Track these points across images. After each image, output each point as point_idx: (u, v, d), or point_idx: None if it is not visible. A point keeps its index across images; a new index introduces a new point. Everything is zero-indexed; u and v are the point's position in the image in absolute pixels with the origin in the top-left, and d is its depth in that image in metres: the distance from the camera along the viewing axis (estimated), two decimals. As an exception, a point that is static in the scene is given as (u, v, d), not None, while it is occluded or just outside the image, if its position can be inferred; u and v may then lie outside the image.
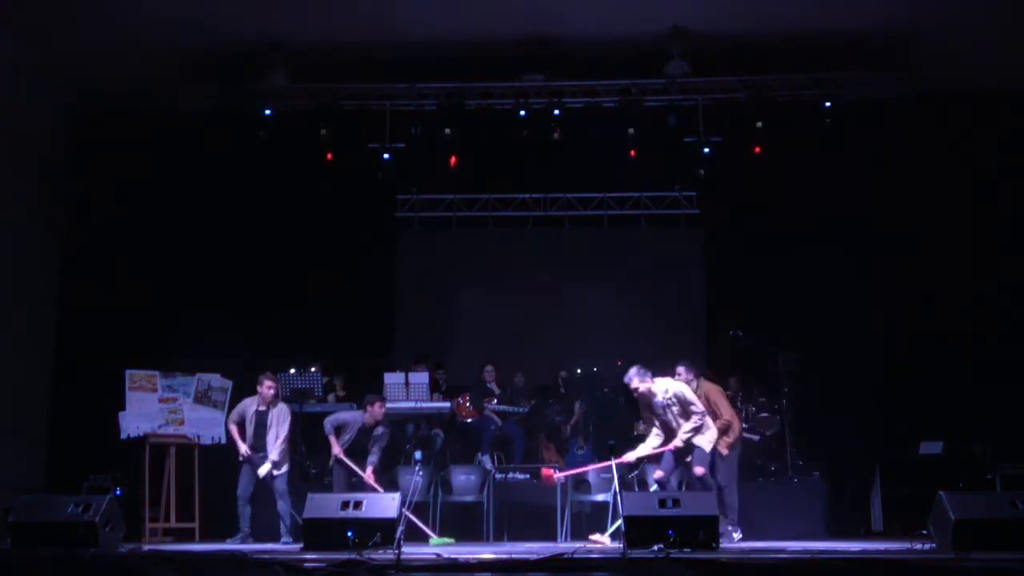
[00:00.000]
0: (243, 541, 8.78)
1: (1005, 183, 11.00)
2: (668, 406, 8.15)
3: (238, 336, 10.29)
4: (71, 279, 11.66)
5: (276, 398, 9.10)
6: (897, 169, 10.93)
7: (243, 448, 8.97)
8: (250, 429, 9.03)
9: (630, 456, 8.25)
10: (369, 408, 8.89)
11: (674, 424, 8.15)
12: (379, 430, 8.95)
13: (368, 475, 8.76)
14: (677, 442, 8.09)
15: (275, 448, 8.91)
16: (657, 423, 8.25)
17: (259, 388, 9.04)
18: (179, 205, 11.22)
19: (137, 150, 11.25)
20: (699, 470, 8.05)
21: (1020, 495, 6.99)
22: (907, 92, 10.82)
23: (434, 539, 8.49)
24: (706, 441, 8.13)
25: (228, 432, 9.27)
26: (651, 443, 8.23)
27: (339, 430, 8.94)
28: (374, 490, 8.46)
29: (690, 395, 8.19)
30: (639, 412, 8.72)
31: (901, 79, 10.76)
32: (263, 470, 8.86)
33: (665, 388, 8.18)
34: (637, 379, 8.16)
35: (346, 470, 8.83)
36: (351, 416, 9.06)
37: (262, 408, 9.05)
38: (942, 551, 6.85)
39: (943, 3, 9.95)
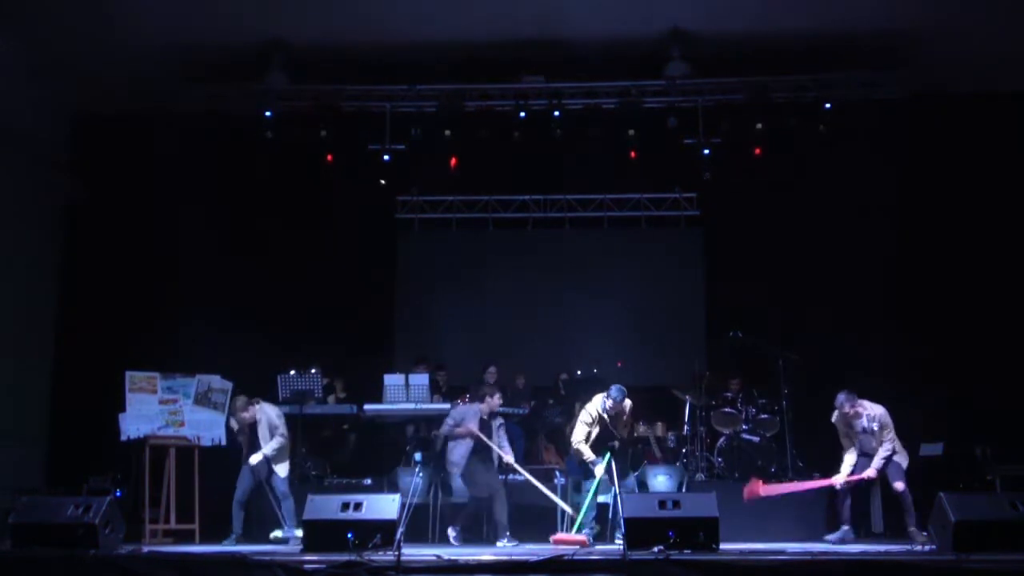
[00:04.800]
0: (236, 543, 8.73)
1: (1006, 183, 11.00)
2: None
3: (238, 337, 10.27)
4: (71, 279, 11.66)
5: (247, 408, 9.02)
6: (897, 169, 10.92)
7: (235, 426, 9.05)
8: (245, 439, 9.08)
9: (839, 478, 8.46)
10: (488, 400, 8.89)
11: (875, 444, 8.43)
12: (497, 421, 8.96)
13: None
14: (872, 471, 8.34)
15: (269, 444, 8.88)
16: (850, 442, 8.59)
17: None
18: (179, 205, 11.20)
19: (137, 150, 11.24)
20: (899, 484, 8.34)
21: (1020, 496, 7.01)
22: (907, 93, 10.83)
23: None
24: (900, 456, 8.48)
25: (228, 430, 9.32)
26: (850, 460, 8.51)
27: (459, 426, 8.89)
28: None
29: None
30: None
31: (901, 80, 10.77)
32: (255, 459, 8.85)
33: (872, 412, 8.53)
34: (847, 404, 8.45)
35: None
36: (465, 410, 9.00)
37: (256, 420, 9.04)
38: (942, 552, 6.86)
39: (943, 3, 9.96)
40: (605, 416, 8.67)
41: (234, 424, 9.22)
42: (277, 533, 8.84)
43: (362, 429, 10.63)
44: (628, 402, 8.79)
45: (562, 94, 11.18)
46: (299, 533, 8.62)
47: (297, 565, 5.87)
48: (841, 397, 8.48)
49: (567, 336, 11.65)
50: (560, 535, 8.38)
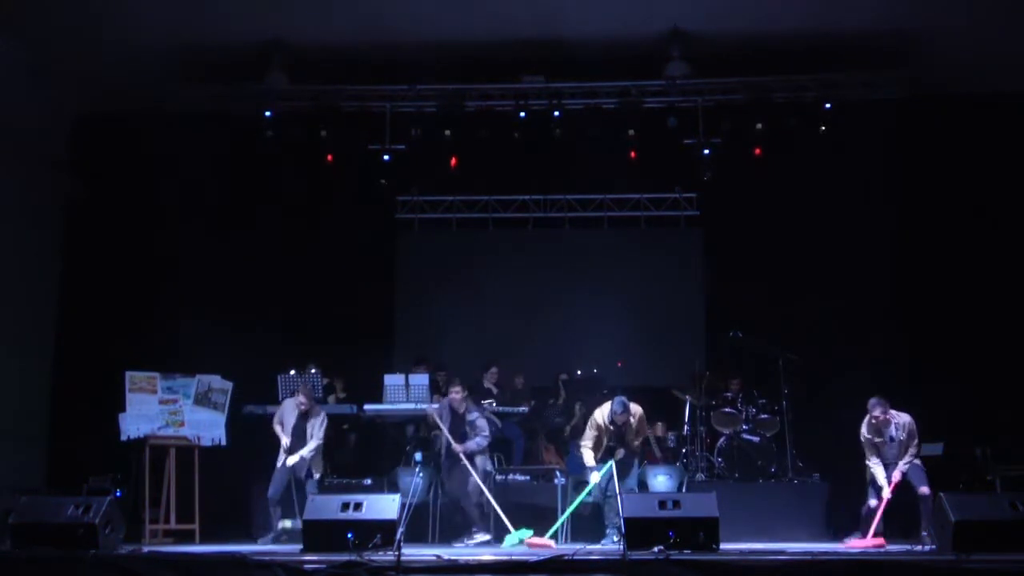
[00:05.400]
0: (275, 540, 8.79)
1: (1006, 183, 11.00)
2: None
3: (238, 337, 10.28)
4: (71, 279, 11.65)
5: (314, 405, 9.21)
6: (897, 170, 10.93)
7: (285, 441, 9.04)
8: (289, 433, 9.11)
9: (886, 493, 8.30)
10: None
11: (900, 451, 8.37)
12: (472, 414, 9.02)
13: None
14: (897, 475, 8.27)
15: (308, 446, 8.99)
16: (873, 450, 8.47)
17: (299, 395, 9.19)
18: (179, 205, 11.20)
19: (137, 150, 11.24)
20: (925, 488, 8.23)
21: (1020, 496, 7.02)
22: (907, 93, 10.83)
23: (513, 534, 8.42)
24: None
25: (273, 431, 9.28)
26: (880, 472, 8.37)
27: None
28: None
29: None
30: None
31: (901, 80, 10.77)
32: (292, 459, 8.92)
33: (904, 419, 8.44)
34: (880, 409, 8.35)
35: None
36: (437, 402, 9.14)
37: (303, 409, 9.13)
38: (942, 552, 6.86)
39: (943, 4, 9.96)
40: (610, 426, 8.67)
41: (286, 415, 9.14)
42: (286, 523, 8.84)
43: (362, 429, 10.63)
44: (637, 409, 8.75)
45: (562, 94, 11.17)
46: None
47: (297, 565, 5.87)
48: (873, 401, 8.32)
49: (567, 336, 11.65)
50: (532, 539, 8.29)
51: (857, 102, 10.89)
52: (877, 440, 8.39)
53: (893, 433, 8.34)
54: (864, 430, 8.45)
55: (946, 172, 11.05)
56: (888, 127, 10.73)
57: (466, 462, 8.70)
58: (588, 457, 8.64)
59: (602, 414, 8.73)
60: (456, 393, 8.96)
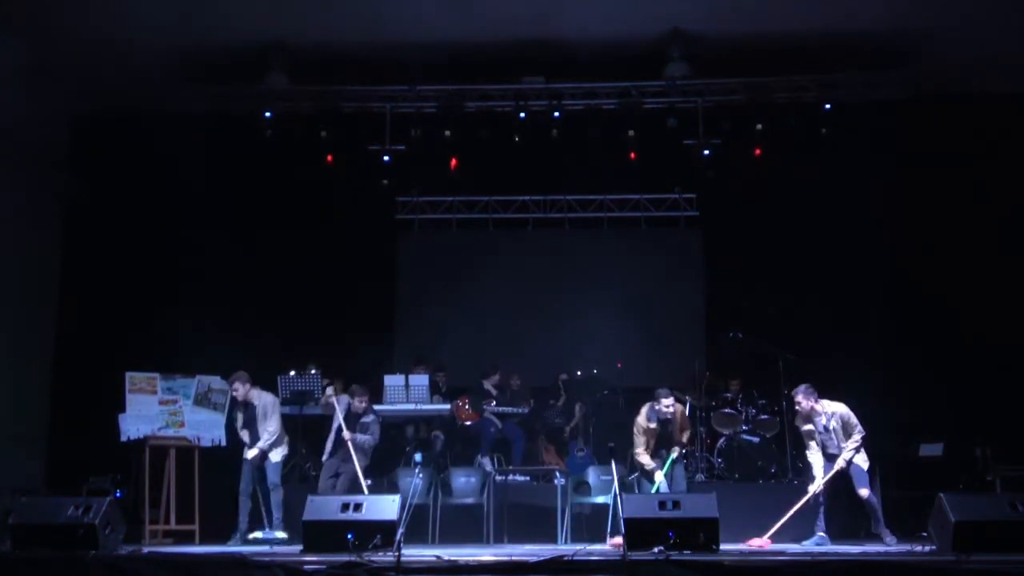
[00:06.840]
0: (241, 539, 8.80)
1: (1005, 183, 11.00)
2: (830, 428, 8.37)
3: (238, 337, 10.28)
4: (71, 279, 11.65)
5: (250, 391, 9.16)
6: (896, 170, 10.93)
7: (246, 438, 9.11)
8: (246, 428, 9.14)
9: (817, 486, 8.30)
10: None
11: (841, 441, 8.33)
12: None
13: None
14: (841, 462, 8.24)
15: (265, 435, 8.99)
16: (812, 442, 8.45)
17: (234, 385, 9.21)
18: (179, 206, 11.21)
19: (137, 150, 11.24)
20: (864, 491, 8.24)
21: (1020, 497, 7.02)
22: (907, 93, 10.84)
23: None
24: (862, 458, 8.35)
25: (234, 432, 9.35)
26: (817, 462, 8.37)
27: None
28: None
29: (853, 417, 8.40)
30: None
31: (901, 80, 10.77)
32: (250, 453, 8.96)
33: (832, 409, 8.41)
34: (802, 396, 8.35)
35: None
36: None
37: (251, 403, 9.13)
38: (942, 553, 6.86)
39: (943, 4, 9.96)
40: (654, 426, 8.71)
41: (239, 413, 9.19)
42: (257, 534, 8.84)
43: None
44: (678, 405, 8.85)
45: (562, 94, 11.18)
46: (279, 535, 8.71)
47: (297, 566, 5.87)
48: (800, 389, 8.37)
49: (567, 336, 11.64)
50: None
51: (857, 102, 10.91)
52: (807, 428, 8.41)
53: (825, 423, 8.33)
54: (798, 420, 8.52)
55: (946, 172, 11.04)
56: (888, 127, 10.75)
57: (353, 452, 8.79)
58: (647, 460, 8.73)
59: (644, 417, 8.80)
60: (361, 402, 9.07)
